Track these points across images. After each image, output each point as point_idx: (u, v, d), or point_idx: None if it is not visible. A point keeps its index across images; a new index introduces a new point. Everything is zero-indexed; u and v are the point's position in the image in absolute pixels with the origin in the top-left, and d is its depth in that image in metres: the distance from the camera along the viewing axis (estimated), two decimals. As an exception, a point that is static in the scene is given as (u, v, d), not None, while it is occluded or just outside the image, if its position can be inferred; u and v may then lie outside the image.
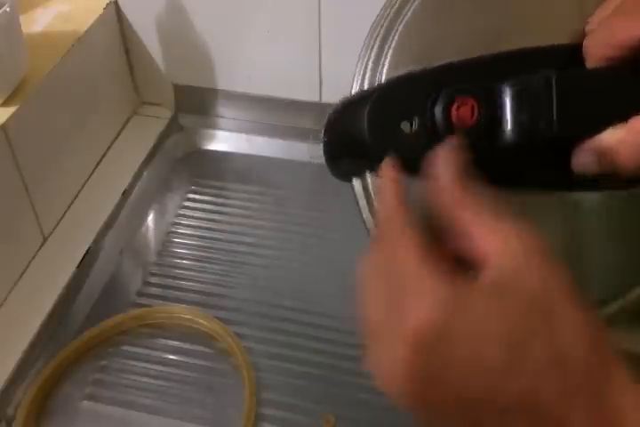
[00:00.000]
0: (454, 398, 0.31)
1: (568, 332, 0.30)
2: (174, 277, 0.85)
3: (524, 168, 0.39)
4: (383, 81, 0.42)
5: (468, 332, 0.31)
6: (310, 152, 0.97)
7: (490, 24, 0.42)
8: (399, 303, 0.33)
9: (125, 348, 0.77)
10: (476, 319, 0.31)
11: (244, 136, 0.99)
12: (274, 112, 0.98)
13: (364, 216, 0.43)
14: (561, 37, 0.39)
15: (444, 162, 0.35)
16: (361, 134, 0.41)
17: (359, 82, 0.43)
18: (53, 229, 0.84)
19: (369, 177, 0.43)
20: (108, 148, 0.95)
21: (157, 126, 0.99)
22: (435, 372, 0.32)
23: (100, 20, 0.88)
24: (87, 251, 0.83)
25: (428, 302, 0.31)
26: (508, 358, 0.30)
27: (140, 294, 0.83)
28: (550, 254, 0.32)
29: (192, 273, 0.85)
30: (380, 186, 0.39)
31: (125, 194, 0.90)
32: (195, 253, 0.88)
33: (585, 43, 0.38)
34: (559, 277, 0.31)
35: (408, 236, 0.34)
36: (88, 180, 0.91)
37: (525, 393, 0.30)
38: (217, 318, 0.78)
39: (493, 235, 0.32)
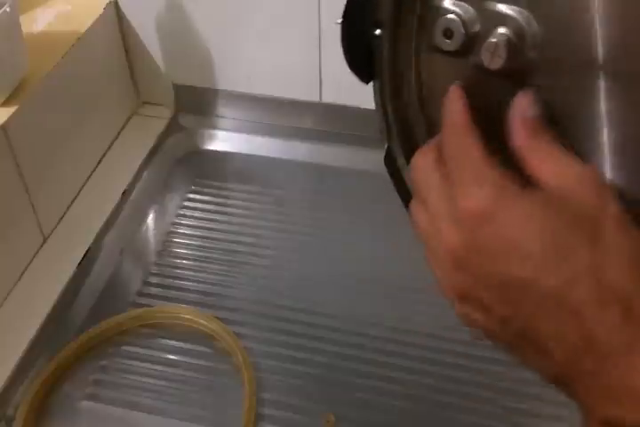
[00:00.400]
0: (497, 281, 0.34)
1: (611, 251, 0.33)
2: (174, 277, 0.85)
3: None
4: None
5: (514, 223, 0.34)
6: (311, 152, 0.97)
7: None
8: (454, 189, 0.36)
9: (125, 348, 0.77)
10: (523, 214, 0.34)
11: (244, 136, 0.99)
12: (274, 112, 0.98)
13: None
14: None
15: (528, 104, 0.37)
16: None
17: None
18: (53, 229, 0.84)
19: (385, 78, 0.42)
20: (108, 148, 0.95)
21: (157, 126, 0.99)
22: (480, 249, 0.35)
23: (100, 20, 0.88)
24: (87, 251, 0.83)
25: (483, 189, 0.35)
26: (547, 255, 0.33)
27: (140, 294, 0.83)
28: (611, 190, 0.34)
29: (192, 273, 0.85)
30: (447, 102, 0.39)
31: (125, 194, 0.90)
32: (195, 253, 0.88)
33: None
34: (614, 210, 0.34)
35: (471, 140, 0.37)
36: (88, 180, 0.91)
37: (559, 290, 0.33)
38: (217, 318, 0.78)
39: (558, 164, 0.35)
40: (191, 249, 0.88)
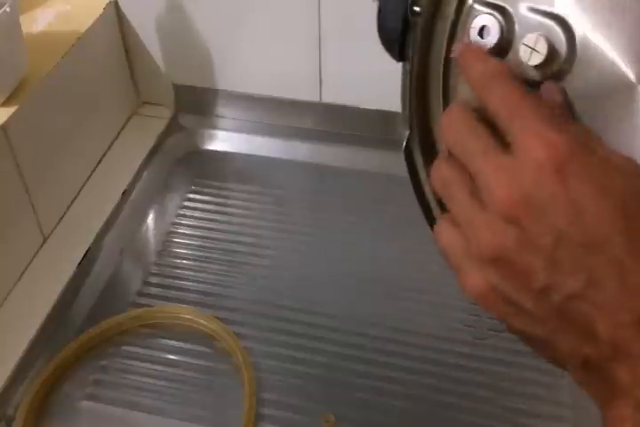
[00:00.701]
0: (552, 242, 0.31)
1: None
2: (174, 277, 0.85)
3: None
4: None
5: (589, 181, 0.31)
6: (311, 152, 0.97)
7: None
8: (513, 133, 0.32)
9: (125, 348, 0.77)
10: (599, 174, 0.31)
11: (244, 136, 0.99)
12: (274, 112, 0.98)
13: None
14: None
15: (553, 90, 0.35)
16: None
17: None
18: (53, 229, 0.84)
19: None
20: (108, 148, 0.95)
21: (157, 126, 0.99)
22: (542, 205, 0.31)
23: (100, 20, 0.88)
24: (87, 251, 0.83)
25: (557, 134, 0.31)
26: (619, 222, 0.30)
27: (140, 294, 0.83)
28: None
29: (192, 273, 0.85)
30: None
31: (125, 194, 0.90)
32: (195, 253, 0.88)
33: None
34: None
35: (520, 85, 0.34)
36: (88, 180, 0.91)
37: (626, 259, 0.30)
38: (217, 318, 0.78)
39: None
40: (191, 249, 0.88)
